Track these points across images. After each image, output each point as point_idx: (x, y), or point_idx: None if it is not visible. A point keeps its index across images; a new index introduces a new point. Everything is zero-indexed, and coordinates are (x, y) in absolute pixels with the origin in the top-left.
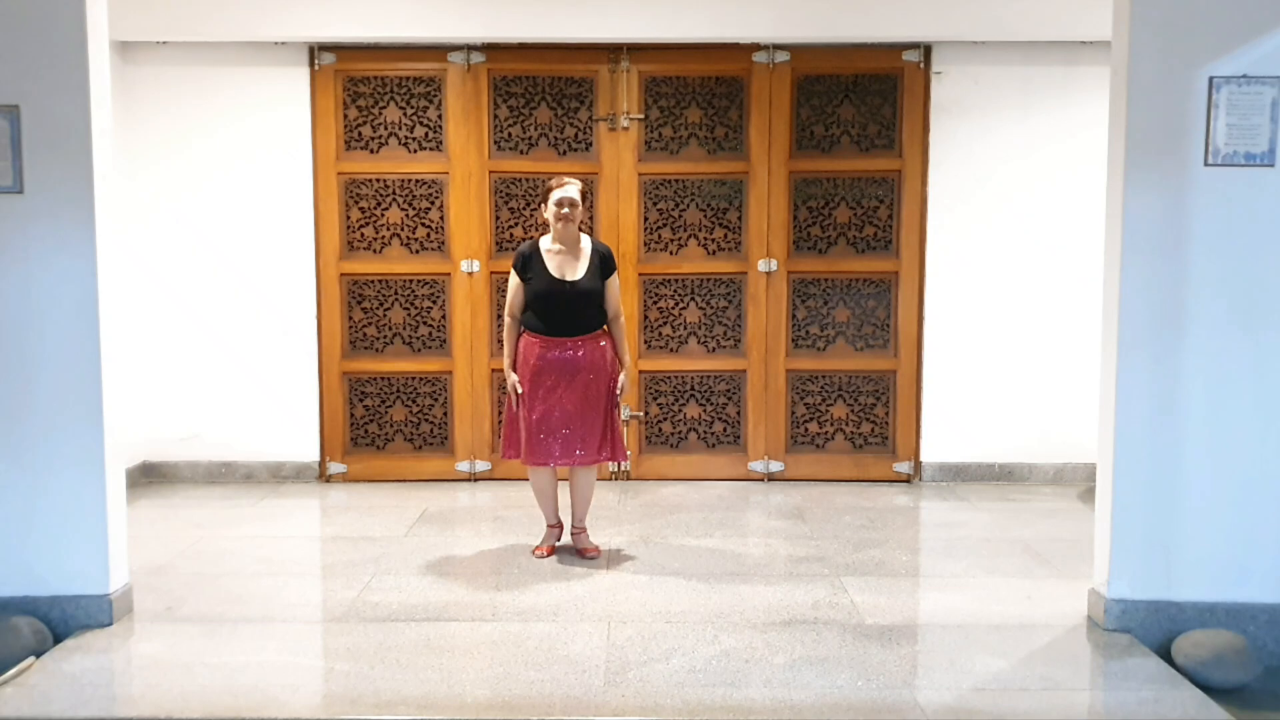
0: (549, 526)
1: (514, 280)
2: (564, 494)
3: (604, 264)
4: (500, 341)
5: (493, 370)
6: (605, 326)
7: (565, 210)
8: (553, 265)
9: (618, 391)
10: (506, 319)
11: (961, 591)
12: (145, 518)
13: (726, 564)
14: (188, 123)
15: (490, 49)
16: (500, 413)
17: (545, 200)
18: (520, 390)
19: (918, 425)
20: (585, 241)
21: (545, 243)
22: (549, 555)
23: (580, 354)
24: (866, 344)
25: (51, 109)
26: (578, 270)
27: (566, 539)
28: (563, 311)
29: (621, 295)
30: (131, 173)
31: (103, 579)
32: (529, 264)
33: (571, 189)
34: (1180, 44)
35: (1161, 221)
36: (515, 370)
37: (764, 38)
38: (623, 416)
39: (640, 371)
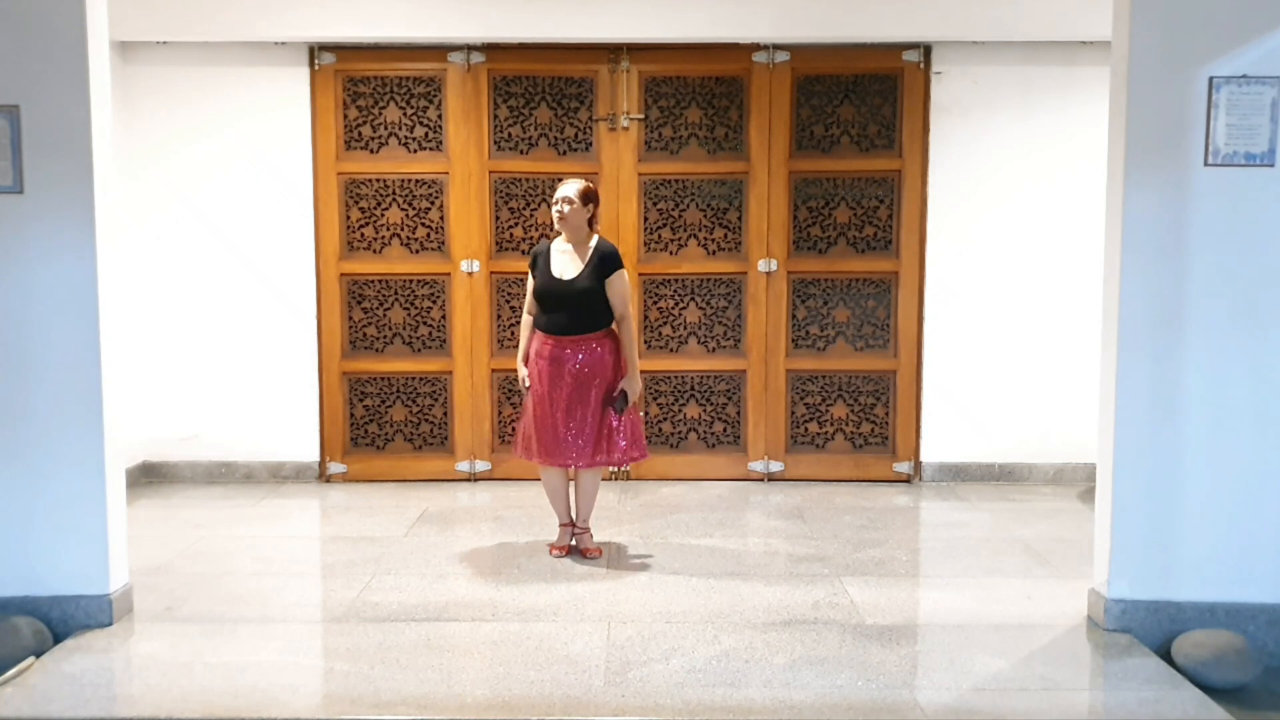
0: (561, 525)
1: (530, 276)
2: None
3: (602, 263)
4: (500, 341)
5: (493, 370)
6: (609, 328)
7: (558, 208)
8: (555, 264)
9: (617, 395)
10: (524, 314)
11: (961, 591)
12: (145, 518)
13: (726, 564)
14: (188, 123)
15: (490, 49)
16: (501, 412)
17: None
18: (528, 385)
19: (918, 425)
20: (594, 241)
21: (559, 242)
22: (566, 554)
23: (571, 353)
24: (866, 344)
25: (51, 109)
26: (575, 269)
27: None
28: (556, 310)
29: None
30: (131, 173)
31: (102, 579)
32: (537, 260)
33: (567, 187)
34: (1180, 44)
35: (1161, 221)
36: (525, 365)
37: (764, 38)
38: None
39: (640, 371)
